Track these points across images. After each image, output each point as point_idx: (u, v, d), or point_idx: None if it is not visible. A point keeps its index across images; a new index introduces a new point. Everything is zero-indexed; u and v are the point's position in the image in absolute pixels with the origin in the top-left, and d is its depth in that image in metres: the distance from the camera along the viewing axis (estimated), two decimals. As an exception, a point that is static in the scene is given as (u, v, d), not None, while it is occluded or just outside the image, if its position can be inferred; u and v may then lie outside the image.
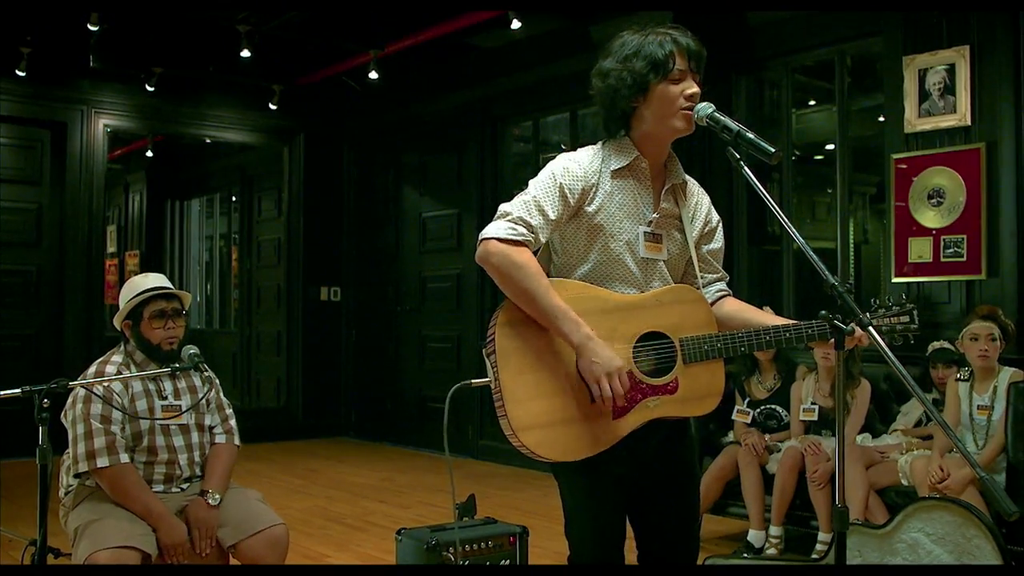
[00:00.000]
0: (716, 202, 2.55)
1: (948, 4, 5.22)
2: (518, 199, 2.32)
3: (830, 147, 6.37)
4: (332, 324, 9.71)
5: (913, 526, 3.02)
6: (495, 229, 2.25)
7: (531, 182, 2.35)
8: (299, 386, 9.57)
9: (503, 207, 2.30)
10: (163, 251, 12.75)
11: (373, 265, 9.58)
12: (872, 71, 6.29)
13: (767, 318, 2.39)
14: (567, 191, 2.30)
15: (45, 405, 2.64)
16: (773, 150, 2.17)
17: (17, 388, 2.66)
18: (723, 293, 2.53)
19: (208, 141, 9.91)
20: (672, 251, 2.43)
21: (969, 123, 5.19)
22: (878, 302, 2.34)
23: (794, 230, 2.14)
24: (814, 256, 2.08)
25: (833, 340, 2.10)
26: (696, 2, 6.16)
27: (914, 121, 5.40)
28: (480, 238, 2.28)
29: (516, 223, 2.25)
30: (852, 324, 2.05)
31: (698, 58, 2.37)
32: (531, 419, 2.18)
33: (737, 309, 2.48)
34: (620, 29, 6.77)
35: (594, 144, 2.45)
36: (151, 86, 8.36)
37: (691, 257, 2.44)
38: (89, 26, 6.76)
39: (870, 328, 2.01)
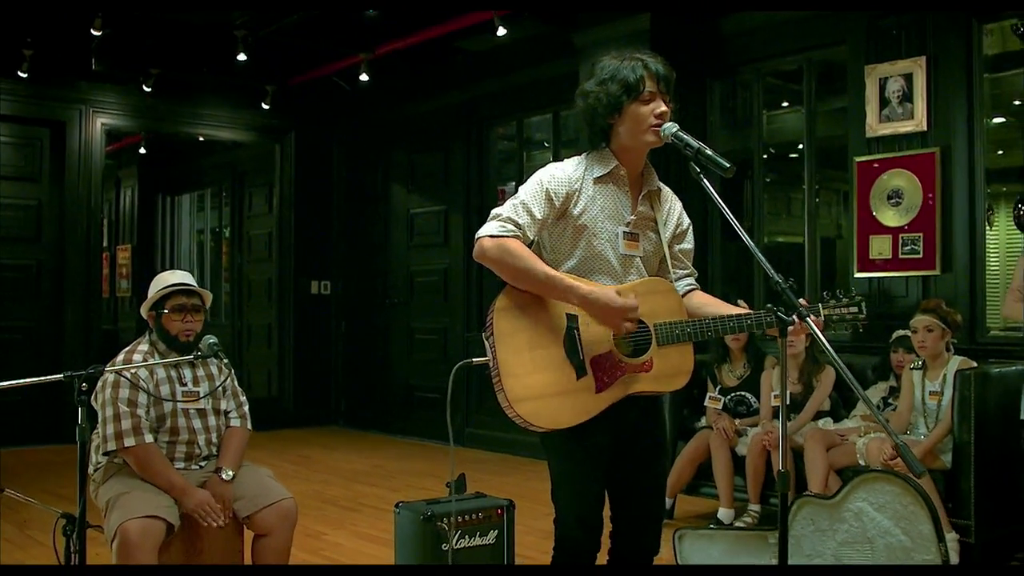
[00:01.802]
0: (692, 202, 2.87)
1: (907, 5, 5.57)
2: (508, 202, 2.65)
3: (797, 144, 6.74)
4: (322, 317, 10.03)
5: (859, 496, 3.37)
6: (488, 229, 2.59)
7: (521, 187, 2.68)
8: (291, 377, 9.87)
9: (495, 210, 2.64)
10: (154, 245, 13.00)
11: (363, 259, 9.89)
12: (843, 74, 6.64)
13: (730, 309, 2.71)
14: (552, 195, 2.63)
15: (83, 389, 2.93)
16: (728, 165, 2.50)
17: (59, 374, 2.94)
18: (692, 287, 2.86)
19: (202, 139, 10.16)
20: (647, 249, 2.76)
21: (925, 129, 5.56)
22: (830, 294, 2.67)
23: (743, 231, 2.47)
24: (761, 256, 2.41)
25: (809, 327, 2.43)
26: (672, 6, 6.51)
27: (875, 126, 5.76)
28: (476, 237, 2.60)
29: (505, 222, 2.58)
30: (793, 315, 2.38)
31: (667, 80, 2.69)
32: (525, 392, 2.51)
33: (704, 301, 2.80)
34: (601, 36, 7.10)
35: (577, 151, 2.79)
36: (148, 87, 8.63)
37: (665, 255, 2.77)
38: (92, 31, 7.03)
39: (808, 320, 2.34)
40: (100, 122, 8.74)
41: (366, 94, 9.07)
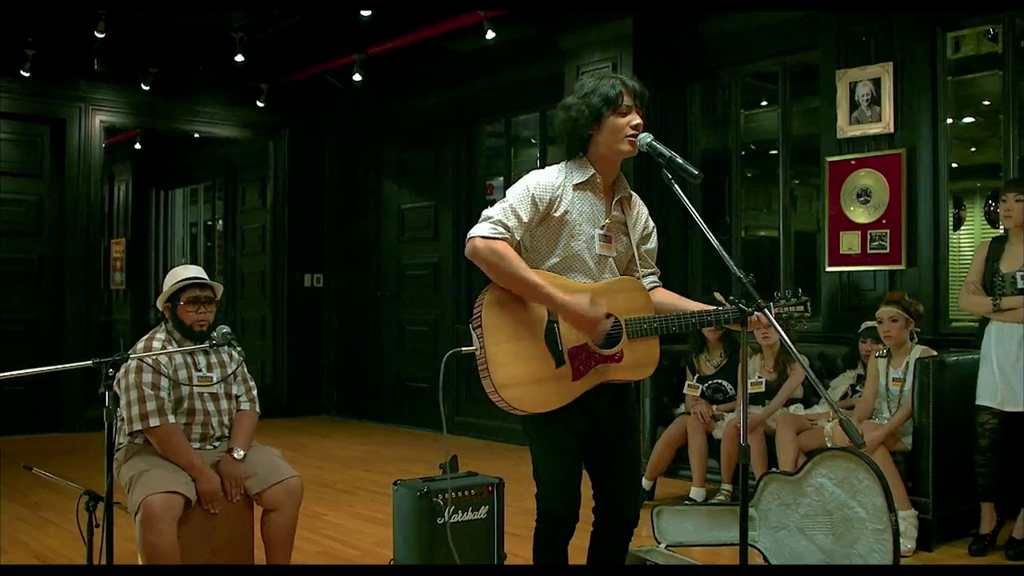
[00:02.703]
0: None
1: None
2: (498, 205, 2.91)
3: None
4: (315, 309, 10.32)
5: (819, 472, 3.67)
6: (480, 230, 2.84)
7: (508, 192, 2.94)
8: (284, 367, 10.14)
9: (486, 212, 2.90)
10: (147, 239, 13.24)
11: (354, 253, 10.17)
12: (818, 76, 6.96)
13: (690, 305, 3.00)
14: (537, 199, 2.90)
15: (110, 374, 3.20)
16: (696, 172, 2.78)
17: (88, 360, 3.21)
18: (656, 284, 3.13)
19: (197, 136, 10.40)
20: (619, 250, 3.05)
21: (892, 131, 5.87)
22: (780, 293, 2.95)
23: (708, 230, 2.75)
24: (724, 254, 2.70)
25: (768, 319, 2.71)
26: (654, 10, 6.81)
27: (845, 128, 6.06)
28: (468, 237, 2.86)
29: (496, 224, 2.84)
30: (752, 307, 2.67)
31: (642, 96, 2.97)
32: (509, 379, 2.79)
33: (666, 297, 3.09)
34: (586, 39, 7.43)
35: (563, 148, 3.06)
36: (146, 85, 8.87)
37: (634, 255, 3.06)
38: (96, 33, 7.28)
39: (766, 311, 2.64)
40: (99, 119, 8.99)
41: (358, 92, 9.31)
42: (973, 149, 7.98)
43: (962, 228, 8.26)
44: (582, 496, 2.98)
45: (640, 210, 3.11)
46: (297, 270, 10.20)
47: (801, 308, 2.90)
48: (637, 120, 2.93)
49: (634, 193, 3.11)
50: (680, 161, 2.82)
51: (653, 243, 3.14)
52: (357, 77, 8.51)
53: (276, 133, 10.09)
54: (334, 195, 10.36)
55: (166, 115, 9.50)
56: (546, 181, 2.93)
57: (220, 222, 12.29)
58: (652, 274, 3.14)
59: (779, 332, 2.64)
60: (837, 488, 3.60)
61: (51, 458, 7.38)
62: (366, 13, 7.31)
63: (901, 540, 4.53)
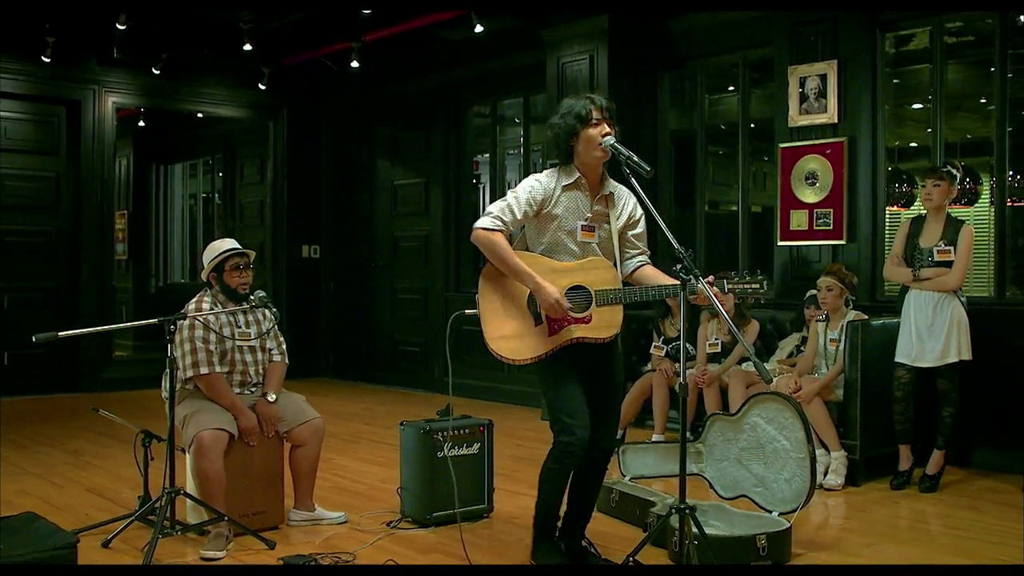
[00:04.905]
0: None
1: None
2: (500, 202, 3.67)
3: (751, 125, 7.76)
4: (312, 278, 11.02)
5: (754, 413, 4.41)
6: (482, 222, 3.63)
7: (510, 191, 3.71)
8: (283, 333, 10.79)
9: (489, 207, 3.68)
10: (148, 211, 13.85)
11: (349, 226, 10.85)
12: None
13: (667, 280, 3.65)
14: (533, 201, 3.66)
15: (172, 329, 3.92)
16: (648, 168, 3.51)
17: (154, 319, 3.93)
18: (642, 263, 3.83)
19: (200, 115, 11.03)
20: (603, 237, 3.75)
21: (836, 121, 6.60)
22: (735, 272, 3.59)
23: (656, 212, 3.48)
24: (669, 233, 3.43)
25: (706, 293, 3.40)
26: (628, 7, 7.51)
27: (796, 118, 6.79)
28: (474, 227, 3.65)
29: (496, 219, 3.62)
30: (691, 278, 3.39)
31: (609, 109, 3.69)
32: (496, 333, 3.61)
33: (650, 274, 3.79)
34: (566, 33, 8.27)
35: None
36: (157, 70, 9.49)
37: (615, 241, 3.75)
38: (117, 24, 7.91)
39: (703, 285, 3.36)
40: (111, 100, 9.61)
41: (354, 76, 9.91)
42: (929, 130, 8.71)
43: (915, 204, 9.02)
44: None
45: (627, 202, 3.79)
46: (295, 241, 10.88)
47: (756, 286, 3.47)
48: (606, 130, 3.65)
49: (623, 188, 3.78)
50: (636, 159, 3.55)
51: (640, 229, 3.83)
52: (355, 64, 9.15)
53: (276, 113, 10.72)
54: (330, 172, 11.03)
55: (173, 96, 10.11)
56: (540, 186, 3.68)
57: (218, 195, 12.91)
58: (641, 254, 3.84)
59: (714, 302, 3.36)
60: (768, 425, 4.36)
61: (77, 415, 8.06)
62: (367, 11, 7.93)
63: (832, 476, 5.38)
